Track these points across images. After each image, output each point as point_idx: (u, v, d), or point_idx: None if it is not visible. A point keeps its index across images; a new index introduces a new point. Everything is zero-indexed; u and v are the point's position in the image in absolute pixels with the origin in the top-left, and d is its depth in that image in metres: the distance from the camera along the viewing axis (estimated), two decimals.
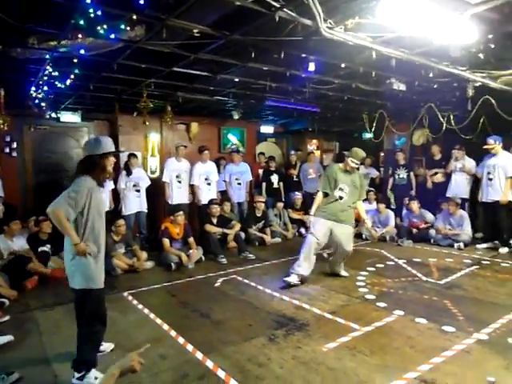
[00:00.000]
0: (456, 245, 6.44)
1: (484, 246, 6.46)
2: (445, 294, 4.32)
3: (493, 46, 4.03)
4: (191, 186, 7.06)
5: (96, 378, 2.60)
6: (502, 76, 5.07)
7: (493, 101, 5.96)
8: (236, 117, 8.04)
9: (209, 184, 7.13)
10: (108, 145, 2.76)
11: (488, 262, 5.59)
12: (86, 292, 2.66)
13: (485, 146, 6.34)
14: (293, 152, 9.38)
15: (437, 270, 5.21)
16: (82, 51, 3.66)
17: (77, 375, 2.62)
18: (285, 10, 3.07)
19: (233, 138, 9.26)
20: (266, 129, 10.12)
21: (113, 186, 6.57)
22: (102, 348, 3.00)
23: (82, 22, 2.91)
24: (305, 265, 4.65)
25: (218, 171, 7.57)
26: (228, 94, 6.51)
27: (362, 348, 3.07)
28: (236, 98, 6.95)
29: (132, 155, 6.81)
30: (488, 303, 4.02)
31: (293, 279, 4.59)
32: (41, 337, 3.40)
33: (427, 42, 3.82)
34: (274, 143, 11.06)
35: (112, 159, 2.81)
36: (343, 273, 5.03)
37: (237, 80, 5.55)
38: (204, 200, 6.86)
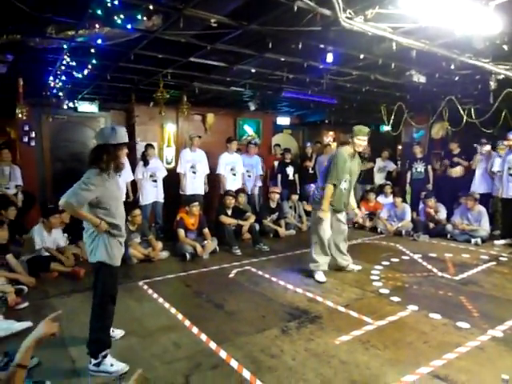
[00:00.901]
0: (473, 240, 6.33)
1: (502, 242, 6.33)
2: (460, 289, 4.26)
3: None
4: (217, 176, 7.10)
5: (112, 365, 2.66)
6: None
7: None
8: (252, 108, 8.02)
9: (234, 175, 7.16)
10: (123, 135, 2.76)
11: (506, 259, 5.48)
12: (103, 265, 2.72)
13: (505, 142, 6.19)
14: (309, 144, 9.32)
15: (453, 266, 5.14)
16: (100, 41, 3.68)
17: (93, 361, 2.68)
18: None
19: (249, 129, 9.24)
20: (282, 120, 10.07)
21: (132, 178, 6.66)
22: (112, 334, 3.05)
23: (99, 12, 2.92)
24: (326, 259, 4.68)
25: None
26: (244, 84, 6.48)
27: (375, 342, 3.06)
28: (252, 89, 6.91)
29: (149, 146, 6.87)
30: (504, 300, 3.95)
31: (322, 277, 4.58)
32: (59, 323, 3.48)
33: (449, 33, 3.71)
34: (290, 135, 11.00)
35: (125, 150, 2.82)
36: (352, 266, 4.94)
37: (253, 71, 5.51)
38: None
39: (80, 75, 4.87)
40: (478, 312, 3.62)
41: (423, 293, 4.19)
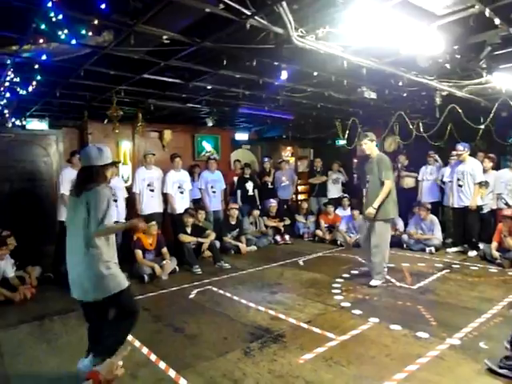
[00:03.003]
0: (427, 249, 6.56)
1: (454, 249, 6.60)
2: (418, 299, 4.36)
3: (459, 57, 4.15)
4: (164, 195, 6.92)
5: None
6: (468, 85, 5.25)
7: (459, 109, 6.16)
8: (210, 124, 7.97)
9: (182, 193, 7.00)
10: (109, 155, 3.00)
11: (458, 266, 5.71)
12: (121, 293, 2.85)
13: (453, 152, 6.53)
14: (266, 159, 9.36)
15: (410, 275, 5.28)
16: (44, 57, 3.51)
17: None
18: (256, 18, 3.05)
19: (207, 146, 9.16)
20: (241, 136, 10.09)
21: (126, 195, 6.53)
22: None
23: (43, 27, 2.79)
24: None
25: (192, 179, 7.44)
26: (201, 101, 6.44)
27: (339, 358, 3.04)
28: (209, 106, 6.89)
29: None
30: (459, 307, 4.08)
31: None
32: (2, 358, 3.20)
33: (395, 52, 3.89)
34: (249, 150, 11.04)
35: (112, 169, 3.06)
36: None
37: (209, 87, 5.50)
38: (178, 209, 6.72)
39: (24, 92, 4.62)
40: (436, 320, 3.71)
41: (383, 304, 4.26)
